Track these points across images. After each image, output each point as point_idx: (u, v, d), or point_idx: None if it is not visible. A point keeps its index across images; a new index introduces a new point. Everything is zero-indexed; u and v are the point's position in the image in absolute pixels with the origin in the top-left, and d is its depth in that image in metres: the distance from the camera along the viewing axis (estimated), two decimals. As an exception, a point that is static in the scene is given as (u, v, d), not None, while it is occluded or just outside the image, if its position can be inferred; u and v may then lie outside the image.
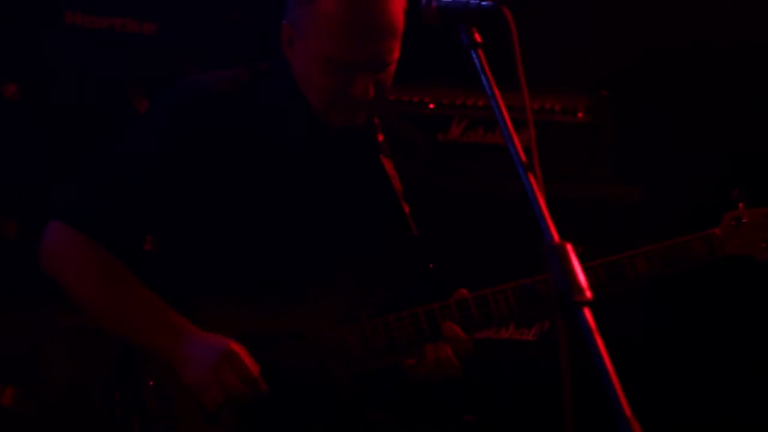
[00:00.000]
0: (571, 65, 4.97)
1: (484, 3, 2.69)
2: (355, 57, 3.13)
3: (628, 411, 2.14)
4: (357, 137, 3.33)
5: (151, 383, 3.14)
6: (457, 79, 4.59)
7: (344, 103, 3.19)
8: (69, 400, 4.28)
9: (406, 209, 3.34)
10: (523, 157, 2.52)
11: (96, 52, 4.32)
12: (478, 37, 2.70)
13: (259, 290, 3.19)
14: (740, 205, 3.33)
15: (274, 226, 3.23)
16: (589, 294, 2.25)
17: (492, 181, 4.55)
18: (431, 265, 3.33)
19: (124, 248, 3.20)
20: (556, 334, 2.39)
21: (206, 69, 3.72)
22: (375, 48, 3.14)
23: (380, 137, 3.37)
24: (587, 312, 2.24)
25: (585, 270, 3.13)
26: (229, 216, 3.22)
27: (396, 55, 3.19)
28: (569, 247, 2.33)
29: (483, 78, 2.67)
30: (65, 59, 4.29)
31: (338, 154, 3.32)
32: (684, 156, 4.91)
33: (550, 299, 2.33)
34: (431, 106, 4.63)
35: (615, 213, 4.54)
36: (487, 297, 3.20)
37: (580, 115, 4.62)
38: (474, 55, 2.68)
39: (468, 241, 4.48)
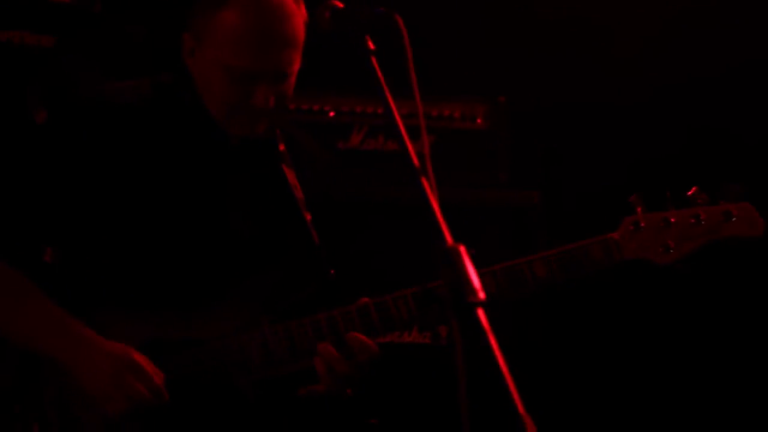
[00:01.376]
0: (469, 72, 5.03)
1: (376, 10, 2.72)
2: (256, 67, 3.15)
3: (521, 408, 2.19)
4: (258, 147, 3.35)
5: (52, 393, 3.12)
6: (357, 87, 4.63)
7: (245, 113, 3.21)
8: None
9: (308, 217, 3.37)
10: (417, 162, 2.54)
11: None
12: (371, 45, 2.73)
13: (160, 299, 3.18)
14: (638, 209, 3.34)
15: (174, 236, 3.23)
16: (482, 294, 2.29)
17: (392, 188, 4.58)
18: (332, 272, 3.36)
19: (22, 258, 3.17)
20: (452, 335, 2.44)
21: (105, 80, 3.71)
22: (276, 59, 3.17)
23: (282, 147, 3.39)
24: (481, 312, 2.28)
25: (485, 274, 3.24)
26: (128, 227, 3.21)
27: (297, 66, 3.22)
28: (462, 249, 2.37)
29: (376, 85, 2.70)
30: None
31: (240, 164, 3.33)
32: (582, 161, 4.98)
33: (446, 302, 2.36)
34: (331, 114, 4.66)
35: (513, 218, 4.60)
36: (388, 302, 3.22)
37: (479, 121, 4.68)
38: (367, 63, 2.72)
39: (370, 247, 4.51)
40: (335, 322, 3.19)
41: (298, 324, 3.19)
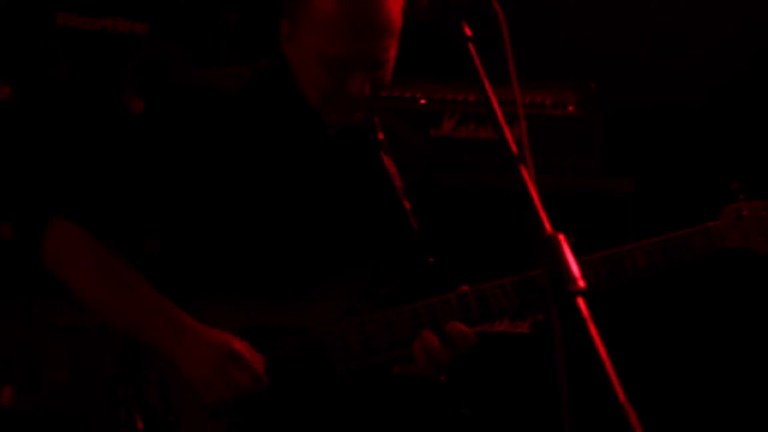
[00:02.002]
0: (560, 58, 4.99)
1: (473, -4, 2.70)
2: (351, 55, 3.13)
3: (622, 397, 2.16)
4: (358, 135, 3.34)
5: (154, 380, 3.14)
6: (448, 75, 4.63)
7: (340, 101, 3.20)
8: (69, 399, 4.29)
9: (407, 206, 3.35)
10: (515, 150, 2.53)
11: (88, 53, 4.33)
12: (468, 31, 2.71)
13: (260, 287, 3.19)
14: (740, 197, 3.30)
15: (274, 222, 3.23)
16: (582, 283, 2.26)
17: (484, 175, 4.57)
18: (431, 260, 3.35)
19: (125, 244, 3.19)
20: (552, 325, 2.42)
21: (199, 68, 3.73)
22: (371, 46, 3.14)
23: (380, 135, 3.38)
24: (581, 301, 2.26)
25: (584, 264, 3.21)
26: (228, 213, 3.21)
27: (393, 53, 3.19)
28: (562, 237, 2.35)
29: (475, 72, 2.68)
30: (58, 61, 4.30)
31: (339, 152, 3.33)
32: (677, 147, 4.92)
33: (546, 291, 2.34)
34: (422, 101, 4.66)
35: (606, 205, 4.56)
36: (486, 291, 3.20)
37: (570, 108, 4.65)
38: (465, 50, 2.70)
39: (466, 235, 4.50)
40: (434, 310, 3.18)
41: (397, 312, 3.18)
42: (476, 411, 4.40)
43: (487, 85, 2.68)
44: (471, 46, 2.71)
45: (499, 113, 2.67)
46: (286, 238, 3.24)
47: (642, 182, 4.61)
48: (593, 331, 2.22)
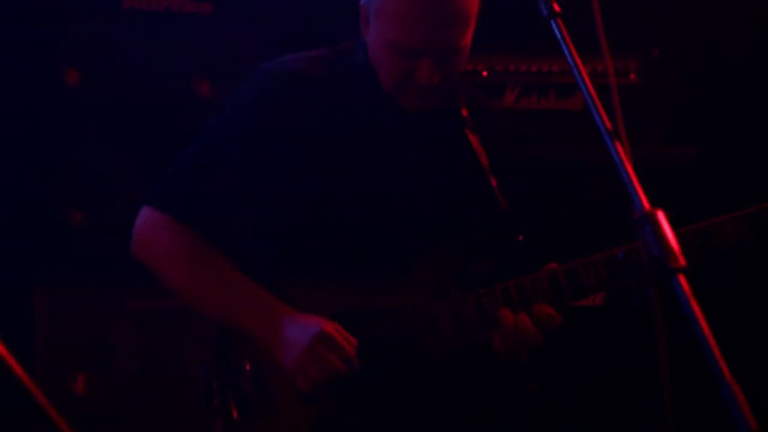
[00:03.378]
0: (620, 26, 4.95)
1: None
2: (418, 43, 3.12)
3: (728, 376, 2.17)
4: (441, 114, 3.33)
5: (248, 367, 3.17)
6: (509, 45, 4.62)
7: (411, 88, 3.19)
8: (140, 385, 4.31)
9: (494, 183, 3.34)
10: (609, 125, 2.52)
11: (154, 35, 4.34)
12: (557, 7, 2.71)
13: (350, 269, 3.21)
14: None
15: (362, 205, 3.25)
16: (683, 261, 2.26)
17: (548, 147, 4.57)
18: (521, 238, 3.35)
19: (215, 231, 3.22)
20: (651, 303, 2.42)
21: (264, 48, 3.72)
22: (440, 36, 3.13)
23: (464, 112, 3.37)
24: (682, 279, 2.25)
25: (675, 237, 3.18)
26: (318, 196, 3.23)
27: (465, 42, 3.17)
28: (660, 213, 2.35)
29: (564, 48, 2.68)
30: (125, 44, 4.31)
31: (422, 132, 3.32)
32: (739, 114, 4.88)
33: (639, 269, 2.35)
34: (484, 74, 4.65)
35: (670, 174, 4.54)
36: (577, 269, 3.18)
37: (632, 76, 4.63)
38: (554, 26, 2.70)
39: (552, 210, 4.48)
40: (524, 289, 3.18)
41: (488, 291, 3.18)
42: (543, 386, 4.38)
43: (578, 60, 2.68)
44: (561, 22, 2.71)
45: (591, 87, 2.65)
46: (376, 221, 3.25)
47: (705, 151, 4.59)
48: (696, 309, 2.23)
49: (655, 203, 4.37)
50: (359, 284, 3.20)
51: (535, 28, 4.73)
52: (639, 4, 4.94)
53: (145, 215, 3.25)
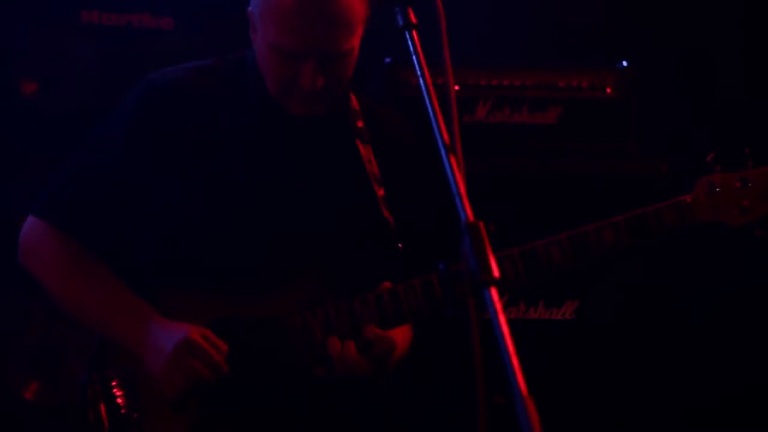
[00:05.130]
0: (596, 41, 4.89)
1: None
2: (298, 47, 3.11)
3: (525, 391, 2.14)
4: (330, 123, 3.32)
5: (121, 377, 3.17)
6: (482, 60, 4.58)
7: (296, 93, 3.18)
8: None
9: (381, 193, 3.32)
10: (446, 138, 2.48)
11: (113, 50, 4.38)
12: (413, 18, 2.68)
13: (229, 278, 3.20)
14: (717, 168, 3.23)
15: (244, 216, 3.24)
16: (496, 273, 2.23)
17: (520, 160, 4.52)
18: (401, 246, 3.32)
19: (94, 239, 3.24)
20: (467, 314, 2.40)
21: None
22: (320, 39, 3.11)
23: (360, 124, 3.35)
24: (494, 291, 2.22)
25: (552, 244, 3.17)
26: (199, 208, 3.23)
27: (347, 46, 3.15)
28: (482, 225, 2.32)
29: (415, 59, 2.65)
30: (82, 57, 4.36)
31: (310, 142, 3.31)
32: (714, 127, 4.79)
33: (457, 279, 2.33)
34: (456, 87, 4.61)
35: (641, 188, 4.46)
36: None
37: (608, 90, 4.56)
38: (408, 36, 2.67)
39: (504, 220, 4.42)
40: (398, 298, 3.16)
41: (362, 300, 3.16)
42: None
43: (426, 72, 2.65)
44: (415, 33, 2.68)
45: (435, 99, 2.60)
46: (256, 231, 3.25)
47: (677, 165, 4.50)
48: (503, 322, 2.20)
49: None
50: (238, 293, 3.20)
51: (508, 41, 4.73)
52: (614, 17, 4.88)
53: (29, 224, 3.29)
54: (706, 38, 4.89)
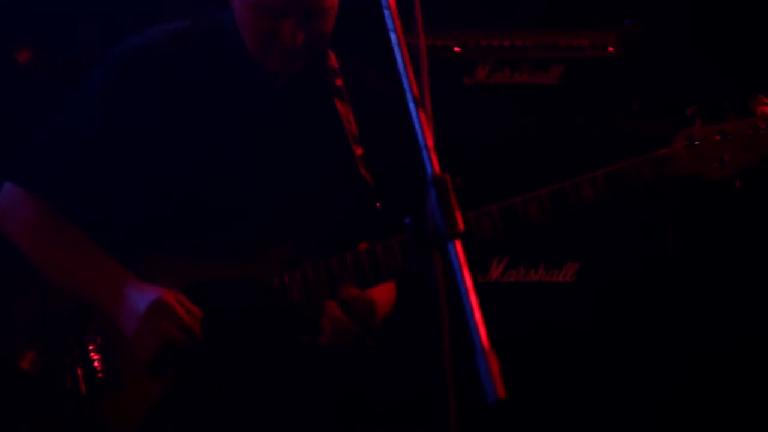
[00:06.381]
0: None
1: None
2: (276, 2, 3.10)
3: (487, 345, 2.10)
4: (308, 83, 3.30)
5: (98, 341, 3.16)
6: (481, 21, 4.53)
7: (276, 49, 3.16)
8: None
9: (359, 152, 3.29)
10: (416, 92, 2.43)
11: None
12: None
13: (207, 241, 3.20)
14: (697, 122, 3.18)
15: (220, 177, 3.23)
16: (461, 226, 2.20)
17: (521, 120, 4.48)
18: (378, 206, 3.29)
19: (71, 204, 3.23)
20: (430, 268, 2.35)
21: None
22: None
23: (338, 82, 3.32)
24: (458, 244, 2.19)
25: (531, 200, 3.13)
26: (176, 172, 3.22)
27: (328, 3, 3.14)
28: (448, 178, 2.28)
29: (386, 13, 2.60)
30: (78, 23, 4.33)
31: (289, 102, 3.29)
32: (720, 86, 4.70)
33: (423, 234, 2.29)
34: (456, 49, 4.56)
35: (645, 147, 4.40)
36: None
37: (610, 48, 4.50)
38: (386, 14, 2.62)
39: (504, 179, 4.38)
40: (375, 257, 3.14)
41: (339, 259, 3.15)
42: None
43: (399, 29, 2.59)
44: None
45: (407, 57, 2.54)
46: (234, 193, 3.23)
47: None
48: (467, 276, 2.16)
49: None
50: (216, 256, 3.19)
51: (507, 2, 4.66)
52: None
53: (5, 190, 3.29)
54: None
